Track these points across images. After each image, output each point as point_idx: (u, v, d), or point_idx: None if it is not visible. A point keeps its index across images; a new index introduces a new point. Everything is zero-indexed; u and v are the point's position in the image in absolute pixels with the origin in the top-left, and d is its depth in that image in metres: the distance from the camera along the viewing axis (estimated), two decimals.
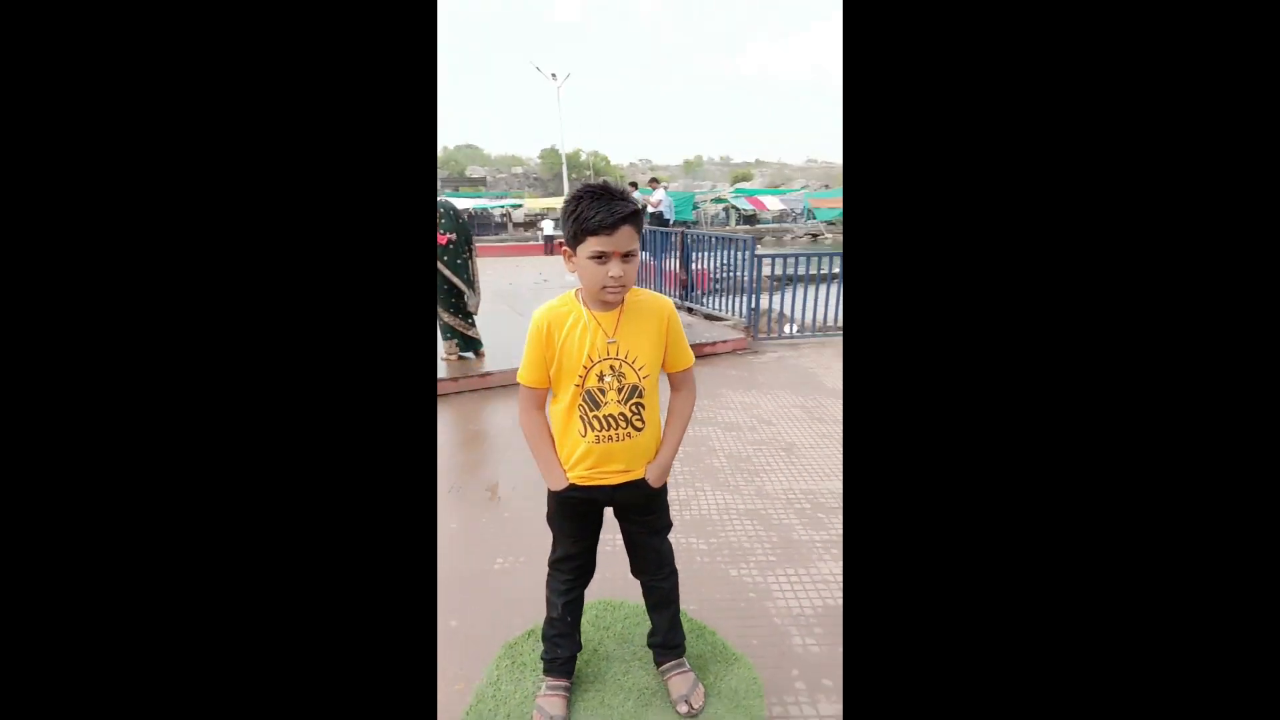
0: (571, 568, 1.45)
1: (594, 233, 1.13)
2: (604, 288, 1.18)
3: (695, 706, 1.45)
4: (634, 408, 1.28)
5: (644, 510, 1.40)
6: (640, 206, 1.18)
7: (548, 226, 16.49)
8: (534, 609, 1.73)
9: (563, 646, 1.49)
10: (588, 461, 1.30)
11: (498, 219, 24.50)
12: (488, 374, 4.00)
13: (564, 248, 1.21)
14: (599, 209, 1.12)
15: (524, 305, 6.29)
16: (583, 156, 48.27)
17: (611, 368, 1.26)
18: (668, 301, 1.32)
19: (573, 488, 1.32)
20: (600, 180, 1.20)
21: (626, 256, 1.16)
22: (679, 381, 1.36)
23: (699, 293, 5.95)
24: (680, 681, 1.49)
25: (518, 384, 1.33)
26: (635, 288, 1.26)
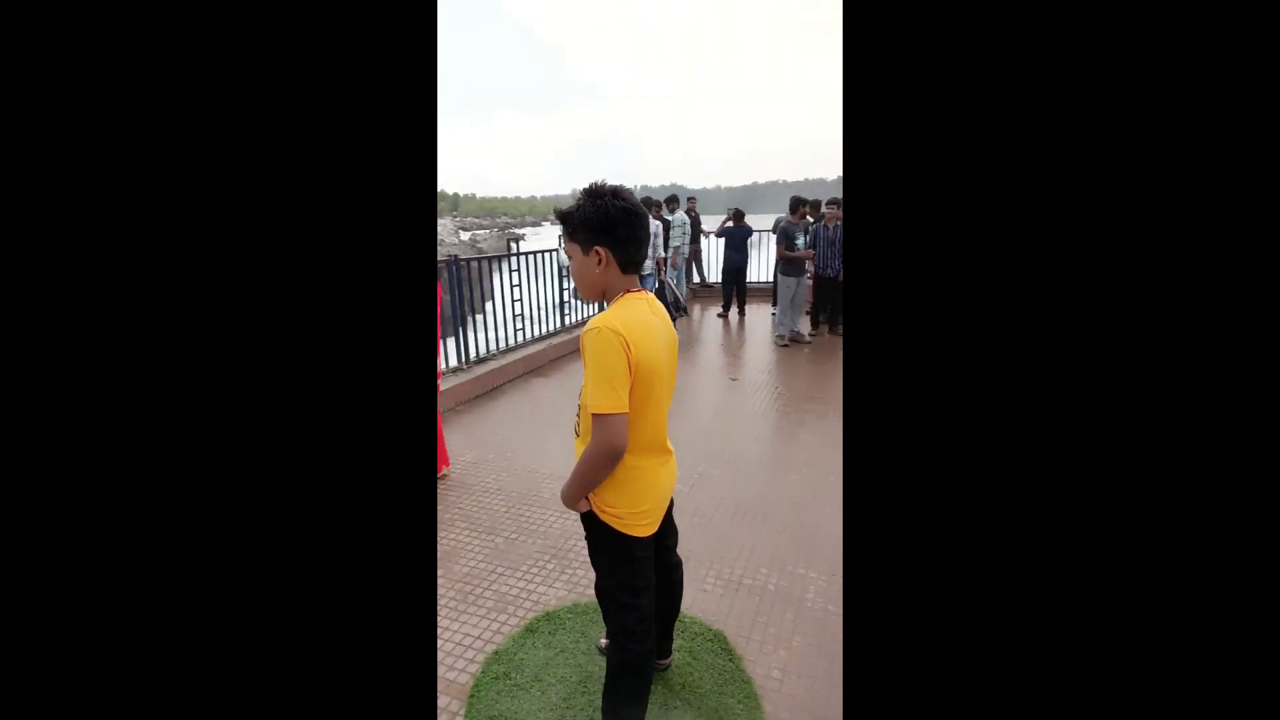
0: None
1: None
2: None
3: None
4: (579, 408, 1.28)
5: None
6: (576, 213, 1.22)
7: None
8: None
9: None
10: None
11: None
12: None
13: None
14: None
15: None
16: None
17: None
18: (592, 326, 1.14)
19: None
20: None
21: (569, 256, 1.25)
22: (591, 424, 1.15)
23: None
24: None
25: None
26: (620, 301, 1.21)
